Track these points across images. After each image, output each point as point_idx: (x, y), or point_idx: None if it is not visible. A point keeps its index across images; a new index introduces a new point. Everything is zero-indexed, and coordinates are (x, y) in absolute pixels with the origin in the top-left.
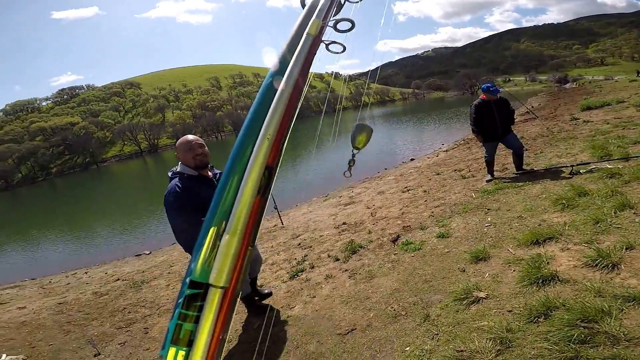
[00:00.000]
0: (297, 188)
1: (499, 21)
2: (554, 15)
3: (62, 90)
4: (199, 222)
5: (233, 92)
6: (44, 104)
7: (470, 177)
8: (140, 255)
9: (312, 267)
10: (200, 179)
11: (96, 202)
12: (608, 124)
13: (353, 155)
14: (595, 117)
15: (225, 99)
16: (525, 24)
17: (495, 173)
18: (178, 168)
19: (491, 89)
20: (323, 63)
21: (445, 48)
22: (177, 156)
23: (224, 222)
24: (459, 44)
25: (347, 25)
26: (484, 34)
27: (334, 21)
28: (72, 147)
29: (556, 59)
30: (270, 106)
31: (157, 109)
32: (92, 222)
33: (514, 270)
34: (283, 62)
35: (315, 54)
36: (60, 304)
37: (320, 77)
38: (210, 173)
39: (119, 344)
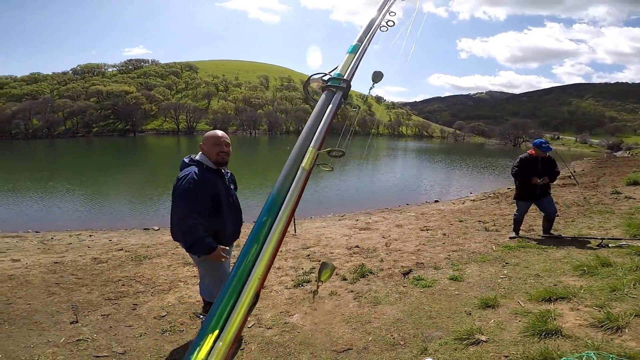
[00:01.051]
0: (314, 201)
1: (568, 73)
2: (631, 75)
3: (129, 60)
4: (204, 213)
5: (278, 94)
6: (109, 70)
7: (494, 231)
8: (149, 229)
9: None
10: (217, 172)
11: (121, 167)
12: None
13: (317, 287)
14: (639, 194)
15: (269, 99)
16: (595, 80)
17: (520, 232)
18: (197, 157)
19: (543, 145)
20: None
21: (501, 93)
22: (201, 146)
23: (217, 332)
24: (517, 91)
25: (340, 152)
26: (546, 84)
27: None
28: (119, 113)
29: (616, 122)
30: (263, 245)
31: (205, 95)
32: (110, 185)
33: (519, 321)
34: (276, 198)
35: (307, 180)
36: (56, 263)
37: (363, 97)
38: (222, 170)
39: (102, 315)
